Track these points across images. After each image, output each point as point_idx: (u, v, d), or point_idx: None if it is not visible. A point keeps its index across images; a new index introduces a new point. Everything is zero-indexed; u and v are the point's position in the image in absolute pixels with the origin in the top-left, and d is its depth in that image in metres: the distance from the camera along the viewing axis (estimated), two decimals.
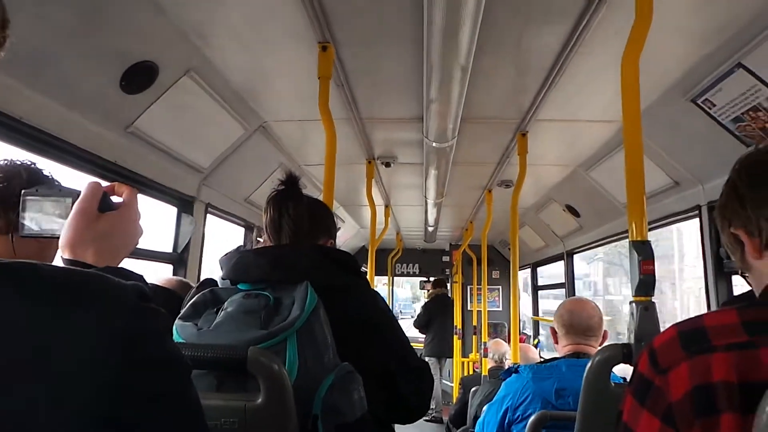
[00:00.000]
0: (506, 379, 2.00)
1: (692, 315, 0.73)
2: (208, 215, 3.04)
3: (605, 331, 1.95)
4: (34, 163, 1.02)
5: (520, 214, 5.04)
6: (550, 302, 6.36)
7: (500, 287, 8.20)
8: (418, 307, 7.77)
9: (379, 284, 9.18)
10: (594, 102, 2.55)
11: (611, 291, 13.56)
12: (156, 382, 0.47)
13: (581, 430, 1.26)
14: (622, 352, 1.24)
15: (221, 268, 1.23)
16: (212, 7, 1.83)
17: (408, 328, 7.58)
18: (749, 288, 0.83)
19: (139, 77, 1.96)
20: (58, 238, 0.72)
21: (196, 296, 1.14)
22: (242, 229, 3.78)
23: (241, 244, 3.79)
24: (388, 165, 3.79)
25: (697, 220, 2.66)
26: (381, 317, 1.31)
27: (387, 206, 5.33)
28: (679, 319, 0.73)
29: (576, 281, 5.24)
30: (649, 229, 3.14)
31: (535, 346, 5.58)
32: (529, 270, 6.59)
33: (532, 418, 1.70)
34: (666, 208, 2.93)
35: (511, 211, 3.43)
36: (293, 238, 1.29)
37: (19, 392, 0.40)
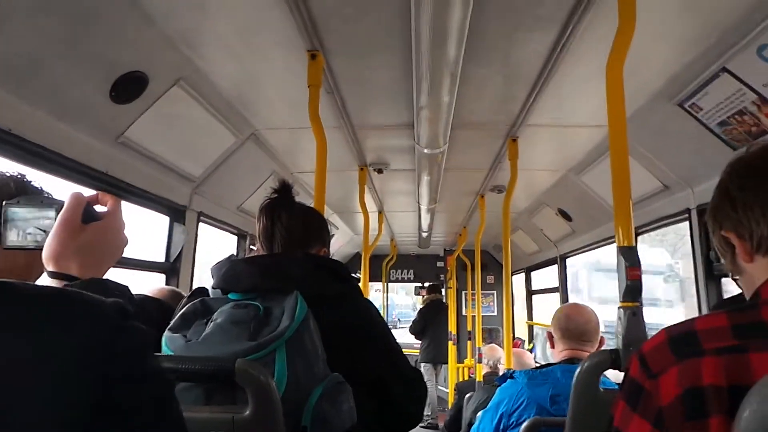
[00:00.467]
0: (501, 385, 2.00)
1: None
2: (201, 224, 3.04)
3: (602, 337, 1.96)
4: (23, 175, 1.02)
5: (513, 219, 5.07)
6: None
7: (495, 292, 8.21)
8: None
9: (373, 291, 9.16)
10: (583, 107, 2.57)
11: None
12: (132, 401, 0.47)
13: None
14: (611, 358, 1.25)
15: (212, 277, 1.23)
16: (201, 17, 1.84)
17: (405, 335, 7.58)
18: (740, 291, 0.83)
19: (129, 87, 1.96)
20: (41, 249, 0.71)
21: (186, 306, 1.14)
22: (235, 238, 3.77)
23: (234, 252, 3.78)
24: (380, 171, 3.80)
25: (687, 224, 2.68)
26: (373, 326, 1.30)
27: (380, 212, 5.33)
28: None
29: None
30: (639, 233, 3.19)
31: (530, 351, 5.58)
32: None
33: (524, 424, 1.70)
34: (656, 211, 2.95)
35: (503, 216, 3.44)
36: (286, 247, 1.29)
37: None
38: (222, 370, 0.90)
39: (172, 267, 2.80)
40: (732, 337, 0.65)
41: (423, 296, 7.81)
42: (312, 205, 1.97)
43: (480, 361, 4.40)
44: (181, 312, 1.13)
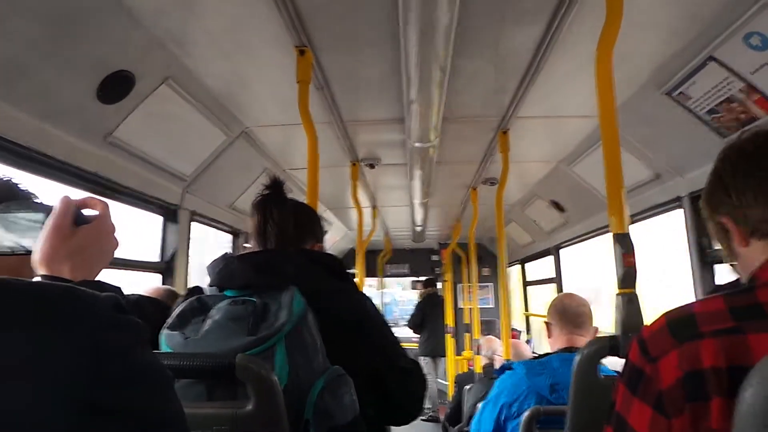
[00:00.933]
0: (499, 377, 2.02)
1: None
2: (194, 223, 3.02)
3: (596, 328, 1.99)
4: (11, 179, 1.01)
5: (506, 211, 5.09)
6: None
7: (491, 284, 8.24)
8: None
9: (372, 290, 9.16)
10: (572, 98, 2.58)
11: None
12: (129, 395, 0.46)
13: (572, 423, 1.28)
14: (609, 345, 1.26)
15: (208, 276, 1.22)
16: (188, 15, 1.82)
17: (407, 331, 7.59)
18: (735, 277, 0.84)
19: (116, 87, 1.94)
20: (30, 254, 0.71)
21: (183, 305, 1.14)
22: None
23: (229, 250, 3.76)
24: (372, 166, 3.80)
25: (679, 211, 2.71)
26: (369, 319, 1.30)
27: (374, 207, 5.33)
28: None
29: None
30: (633, 222, 3.21)
31: (527, 342, 5.61)
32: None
33: (525, 414, 1.71)
34: (648, 200, 2.97)
35: (496, 208, 3.46)
36: (279, 243, 1.29)
37: None
38: (222, 366, 0.90)
39: (168, 266, 2.79)
40: (730, 319, 0.66)
41: (420, 290, 7.82)
42: (305, 202, 1.97)
43: (478, 353, 4.43)
44: (178, 310, 1.12)
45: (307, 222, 1.43)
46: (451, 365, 7.11)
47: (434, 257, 8.63)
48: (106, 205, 0.78)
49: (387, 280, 9.26)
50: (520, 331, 6.39)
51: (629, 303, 1.29)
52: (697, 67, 1.97)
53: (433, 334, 7.14)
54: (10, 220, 0.75)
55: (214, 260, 1.22)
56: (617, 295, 1.32)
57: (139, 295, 1.45)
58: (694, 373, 0.64)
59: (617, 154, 1.46)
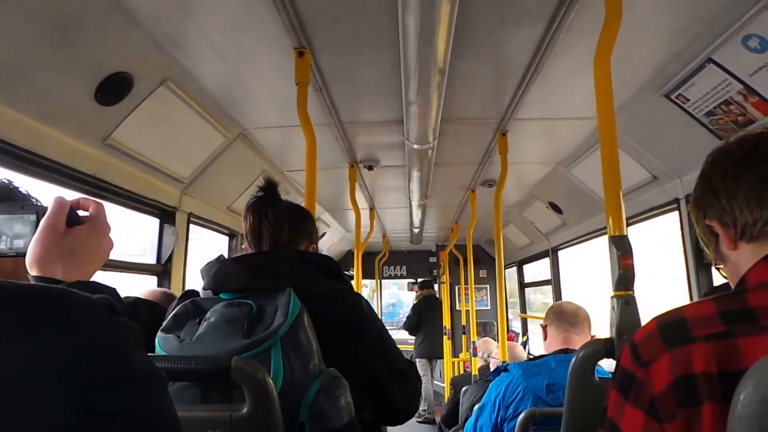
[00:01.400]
0: (495, 379, 2.02)
1: None
2: (191, 225, 3.02)
3: (593, 336, 2.01)
4: (11, 181, 1.01)
5: (504, 213, 5.09)
6: None
7: (488, 286, 8.24)
8: None
9: (368, 289, 9.16)
10: (571, 100, 2.58)
11: None
12: (122, 398, 0.46)
13: (568, 425, 1.28)
14: (605, 347, 1.26)
15: (202, 278, 1.22)
16: (186, 17, 1.82)
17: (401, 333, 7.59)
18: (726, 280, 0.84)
19: (115, 88, 1.94)
20: (24, 255, 0.70)
21: (178, 307, 1.13)
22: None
23: (223, 254, 3.76)
24: (370, 168, 3.80)
25: (676, 213, 2.71)
26: (366, 321, 1.30)
27: (372, 209, 5.33)
28: None
29: None
30: (630, 224, 3.21)
31: (524, 344, 5.61)
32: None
33: (521, 416, 1.71)
34: (646, 202, 2.97)
35: (494, 210, 3.46)
36: (273, 245, 1.28)
37: None
38: (218, 369, 0.90)
39: (164, 269, 2.79)
40: (720, 323, 0.65)
41: (416, 292, 7.83)
42: (303, 204, 1.96)
43: (475, 355, 4.43)
44: (173, 313, 1.12)
45: (302, 223, 1.42)
46: (448, 367, 7.11)
47: (432, 259, 8.63)
48: (101, 206, 0.77)
49: (391, 282, 9.25)
50: (517, 333, 6.40)
51: (625, 305, 1.29)
52: (695, 69, 1.98)
53: (429, 335, 7.13)
54: (3, 222, 0.75)
55: (209, 263, 1.22)
56: (613, 297, 1.32)
57: (136, 298, 1.45)
58: (685, 378, 0.64)
59: (615, 156, 1.46)
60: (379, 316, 1.86)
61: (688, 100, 2.13)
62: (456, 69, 2.14)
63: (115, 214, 2.46)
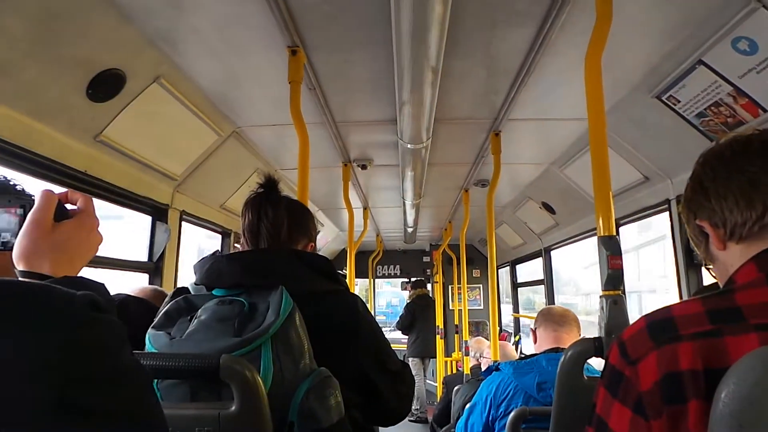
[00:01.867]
0: (486, 378, 2.03)
1: None
2: (184, 223, 3.01)
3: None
4: (6, 177, 1.00)
5: (497, 213, 5.10)
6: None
7: (481, 286, 8.27)
8: None
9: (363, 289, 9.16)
10: (564, 101, 2.59)
11: None
12: (104, 394, 0.45)
13: (556, 423, 1.28)
14: (594, 346, 1.27)
15: (195, 274, 1.21)
16: (179, 14, 1.81)
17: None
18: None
19: (106, 85, 1.93)
20: (11, 250, 0.70)
21: (170, 304, 1.13)
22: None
23: (218, 249, 3.75)
24: (364, 167, 3.80)
25: (667, 214, 2.73)
26: (359, 322, 1.29)
27: (365, 209, 5.33)
28: None
29: None
30: (622, 224, 3.23)
31: (516, 344, 5.63)
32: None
33: (511, 414, 1.72)
34: (637, 203, 2.99)
35: (487, 210, 3.47)
36: (271, 242, 1.28)
37: None
38: (207, 367, 0.90)
39: (156, 267, 2.78)
40: (707, 322, 0.66)
41: (409, 291, 7.84)
42: None
43: (467, 354, 4.44)
44: (164, 310, 1.12)
45: (301, 221, 1.41)
46: (441, 366, 7.12)
47: (426, 258, 8.65)
48: (89, 199, 0.76)
49: (384, 281, 9.25)
50: (509, 333, 6.41)
51: (614, 305, 1.30)
52: (686, 70, 1.99)
53: (422, 335, 7.14)
54: None
55: (202, 259, 1.21)
56: (602, 296, 1.33)
57: (126, 295, 1.44)
58: (672, 376, 0.64)
59: (605, 157, 1.47)
60: (374, 316, 1.86)
61: (679, 101, 2.15)
62: (449, 69, 2.14)
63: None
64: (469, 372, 4.37)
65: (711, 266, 0.84)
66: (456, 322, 6.96)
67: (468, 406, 2.08)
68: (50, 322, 0.44)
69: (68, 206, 0.75)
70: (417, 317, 7.21)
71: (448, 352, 7.35)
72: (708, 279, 2.49)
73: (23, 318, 0.43)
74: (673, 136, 2.36)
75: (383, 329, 1.40)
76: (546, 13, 1.82)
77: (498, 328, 3.58)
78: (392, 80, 2.21)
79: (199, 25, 1.89)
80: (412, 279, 8.08)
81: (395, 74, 2.08)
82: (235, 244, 3.70)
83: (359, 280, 8.52)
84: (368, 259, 8.10)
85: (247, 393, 0.90)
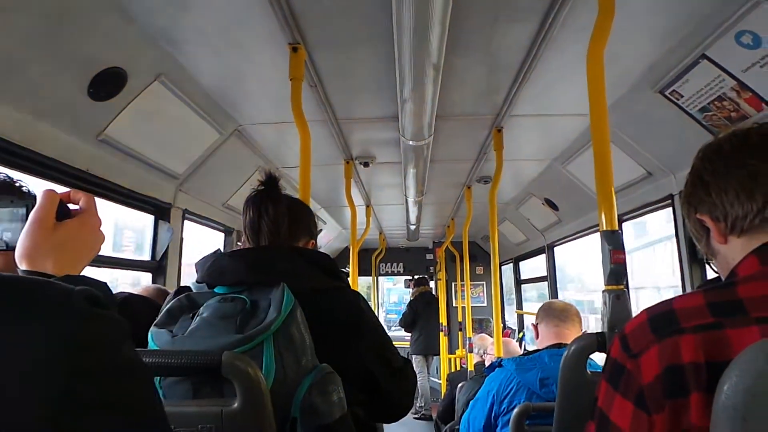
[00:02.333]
0: (489, 375, 2.03)
1: None
2: (186, 221, 3.01)
3: (585, 331, 2.03)
4: (11, 177, 1.00)
5: (500, 210, 5.09)
6: None
7: (484, 283, 8.26)
8: None
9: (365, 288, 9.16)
10: (566, 96, 2.58)
11: None
12: (104, 388, 0.45)
13: (560, 419, 1.28)
14: (597, 341, 1.26)
15: (197, 272, 1.21)
16: (181, 13, 1.81)
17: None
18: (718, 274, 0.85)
19: (108, 84, 1.93)
20: (13, 249, 0.70)
21: (172, 302, 1.13)
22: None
23: (220, 248, 3.75)
24: (366, 165, 3.79)
25: (670, 209, 2.72)
26: (361, 319, 1.29)
27: (368, 206, 5.32)
28: None
29: None
30: (625, 220, 3.22)
31: (520, 340, 5.62)
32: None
33: (515, 410, 1.72)
34: (640, 198, 2.98)
35: (490, 207, 3.46)
36: (273, 240, 1.28)
37: None
38: (209, 364, 0.90)
39: (159, 265, 2.78)
40: (709, 314, 0.66)
41: (412, 288, 7.83)
42: None
43: (471, 351, 4.44)
44: (166, 308, 1.12)
45: (302, 219, 1.41)
46: (445, 363, 7.12)
47: (429, 256, 8.64)
48: (91, 198, 0.76)
49: (387, 279, 9.23)
50: (513, 330, 6.41)
51: (617, 299, 1.29)
52: (689, 65, 1.98)
53: (425, 332, 7.13)
54: None
55: (204, 257, 1.21)
56: (604, 291, 1.33)
57: (129, 293, 1.44)
58: (673, 369, 0.64)
59: (607, 152, 1.46)
60: (376, 314, 1.86)
61: (682, 96, 2.14)
62: (451, 65, 2.14)
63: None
64: (472, 369, 4.37)
65: (712, 260, 0.84)
66: (459, 319, 6.96)
67: (472, 401, 2.08)
68: (49, 315, 0.44)
69: (70, 206, 0.75)
70: (420, 315, 7.21)
71: (451, 349, 7.35)
72: (711, 274, 2.48)
73: (21, 312, 0.43)
74: (676, 131, 2.35)
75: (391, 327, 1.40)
76: (548, 8, 1.81)
77: (501, 325, 3.58)
78: (394, 77, 2.21)
79: (200, 23, 1.89)
80: (415, 276, 8.08)
81: (397, 71, 2.07)
82: (238, 243, 3.70)
83: (362, 279, 8.52)
84: (371, 257, 8.10)
85: (249, 390, 0.90)
